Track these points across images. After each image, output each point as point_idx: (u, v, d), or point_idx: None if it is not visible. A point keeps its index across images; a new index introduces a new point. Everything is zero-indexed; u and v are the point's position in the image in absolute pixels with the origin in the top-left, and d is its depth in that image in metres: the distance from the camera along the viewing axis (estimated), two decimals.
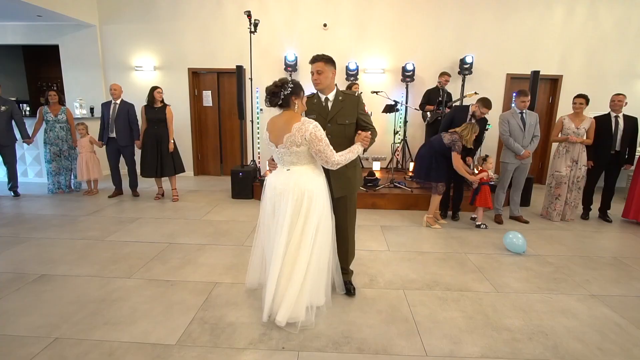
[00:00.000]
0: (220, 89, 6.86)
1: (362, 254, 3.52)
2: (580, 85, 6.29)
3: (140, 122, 5.13)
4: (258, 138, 5.92)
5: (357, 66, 6.41)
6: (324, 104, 2.52)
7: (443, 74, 5.53)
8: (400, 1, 6.35)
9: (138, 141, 5.17)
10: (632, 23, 6.31)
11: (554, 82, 6.48)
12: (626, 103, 4.54)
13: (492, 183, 4.38)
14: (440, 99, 5.31)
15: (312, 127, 2.15)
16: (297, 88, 2.25)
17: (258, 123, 5.92)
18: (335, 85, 2.56)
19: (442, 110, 5.44)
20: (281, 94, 2.20)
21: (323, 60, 2.44)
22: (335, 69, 2.51)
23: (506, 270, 3.28)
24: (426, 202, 4.66)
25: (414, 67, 6.34)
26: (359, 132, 2.44)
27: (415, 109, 6.07)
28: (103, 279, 2.93)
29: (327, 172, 2.44)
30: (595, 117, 4.60)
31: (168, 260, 3.29)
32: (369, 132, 2.45)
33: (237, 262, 3.27)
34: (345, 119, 2.49)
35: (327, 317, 2.44)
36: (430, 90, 5.63)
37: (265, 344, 2.16)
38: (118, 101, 5.15)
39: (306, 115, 2.41)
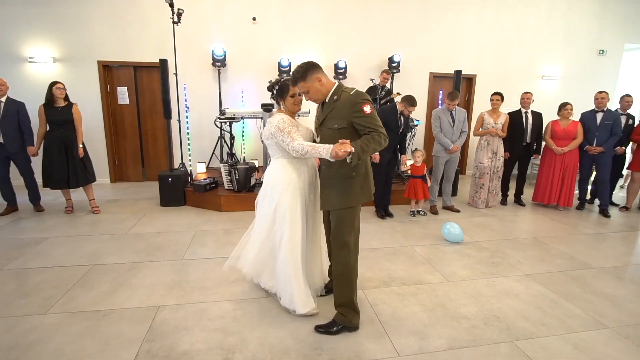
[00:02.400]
0: (139, 85, 6.16)
1: None
2: (492, 83, 6.98)
3: (38, 125, 4.32)
4: (188, 139, 5.43)
5: (290, 62, 6.26)
6: (321, 107, 2.27)
7: (383, 71, 5.66)
8: None
9: (32, 147, 4.37)
10: (530, 29, 7.17)
11: (470, 81, 7.10)
12: (533, 100, 5.12)
13: (420, 176, 4.58)
14: (377, 96, 5.42)
15: (277, 121, 2.26)
16: (280, 90, 2.36)
17: (187, 123, 5.44)
18: (337, 82, 2.20)
19: (376, 107, 5.56)
20: (271, 95, 2.43)
21: (301, 79, 2.10)
22: (318, 73, 2.11)
23: (450, 259, 3.46)
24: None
25: (346, 65, 6.40)
26: (340, 140, 1.94)
27: None
28: (10, 319, 2.37)
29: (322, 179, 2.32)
30: (509, 113, 5.11)
31: (94, 285, 2.81)
32: (347, 145, 1.90)
33: (180, 279, 2.92)
34: (334, 122, 2.11)
35: (294, 330, 2.29)
36: (370, 87, 5.73)
37: None
38: (3, 99, 4.26)
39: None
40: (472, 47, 7.01)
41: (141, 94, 6.20)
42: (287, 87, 2.31)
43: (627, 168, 5.23)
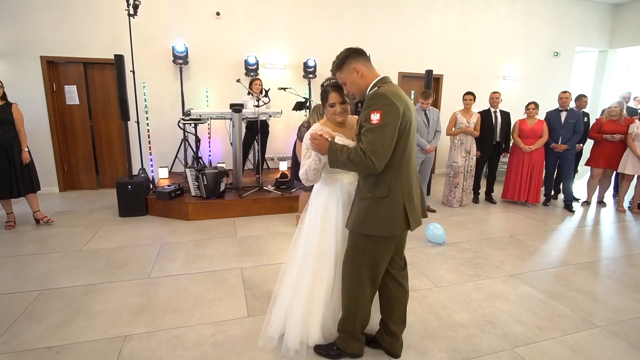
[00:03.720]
0: (90, 84, 5.60)
1: None
2: (458, 84, 7.10)
3: None
4: (149, 142, 4.98)
5: (257, 60, 5.98)
6: None
7: None
8: None
9: None
10: (491, 32, 7.38)
11: (437, 81, 7.17)
12: (501, 100, 5.22)
13: None
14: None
15: (308, 133, 1.91)
16: (322, 96, 1.98)
17: (148, 125, 4.99)
18: (378, 79, 1.74)
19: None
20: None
21: (337, 69, 1.80)
22: (357, 62, 1.75)
23: (435, 262, 3.38)
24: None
25: (316, 64, 6.22)
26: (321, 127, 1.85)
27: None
28: None
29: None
30: (479, 112, 5.17)
31: (44, 316, 2.41)
32: (328, 131, 1.81)
33: (149, 301, 2.60)
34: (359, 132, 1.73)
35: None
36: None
37: None
38: None
39: None
40: (439, 48, 7.08)
41: (93, 93, 5.64)
42: (325, 93, 1.92)
43: (586, 164, 5.48)
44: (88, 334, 2.22)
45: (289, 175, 5.17)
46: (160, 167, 5.54)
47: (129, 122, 4.57)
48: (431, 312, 2.55)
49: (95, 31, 5.32)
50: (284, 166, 6.22)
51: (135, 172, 4.94)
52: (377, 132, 1.60)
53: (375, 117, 1.60)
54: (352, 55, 1.76)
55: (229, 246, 3.63)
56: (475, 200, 5.46)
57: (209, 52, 5.88)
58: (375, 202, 1.72)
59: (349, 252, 1.87)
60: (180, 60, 5.57)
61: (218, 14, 5.79)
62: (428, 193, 5.71)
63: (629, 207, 5.25)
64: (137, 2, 4.40)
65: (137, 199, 4.51)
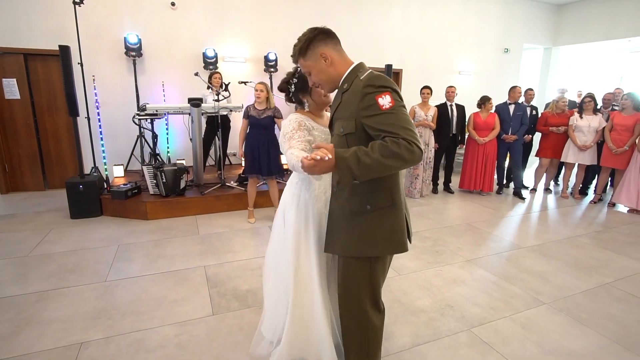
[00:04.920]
0: (32, 77, 5.18)
1: (260, 262, 3.18)
2: (417, 78, 7.30)
3: None
4: (102, 139, 4.70)
5: (216, 53, 5.82)
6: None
7: None
8: None
9: None
10: (448, 28, 7.64)
11: (397, 75, 7.34)
12: (457, 94, 5.45)
13: None
14: None
15: (286, 123, 1.76)
16: (302, 83, 1.79)
17: (100, 120, 4.71)
18: (354, 66, 1.44)
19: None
20: (290, 93, 1.85)
21: (300, 55, 1.51)
22: (325, 46, 1.44)
23: None
24: None
25: (277, 57, 6.15)
26: (319, 143, 1.30)
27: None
28: None
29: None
30: (436, 106, 5.37)
31: None
32: (324, 150, 1.23)
33: (106, 306, 2.48)
34: (340, 124, 1.43)
35: None
36: (306, 81, 5.57)
37: None
38: None
39: None
40: (398, 43, 7.25)
41: (36, 87, 5.23)
42: (307, 79, 1.68)
43: (536, 155, 5.86)
44: (40, 344, 2.08)
45: None
46: (115, 165, 5.26)
47: (78, 118, 4.30)
48: (394, 299, 2.63)
49: (36, 20, 4.93)
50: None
51: (87, 171, 4.66)
52: (399, 114, 1.27)
53: (386, 100, 1.27)
54: (318, 37, 1.44)
55: (191, 245, 3.54)
56: (435, 190, 5.68)
57: (165, 44, 5.64)
58: (379, 215, 1.42)
59: (343, 280, 1.55)
60: (134, 52, 5.29)
61: (173, 4, 5.56)
62: None
63: (571, 192, 5.69)
64: None
65: (90, 199, 4.27)
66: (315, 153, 1.22)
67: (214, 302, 2.54)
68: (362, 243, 1.44)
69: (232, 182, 4.88)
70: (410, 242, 1.51)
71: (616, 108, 5.36)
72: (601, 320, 2.43)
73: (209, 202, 4.47)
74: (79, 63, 4.32)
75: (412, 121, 1.32)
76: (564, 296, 2.74)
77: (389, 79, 1.33)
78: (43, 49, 4.99)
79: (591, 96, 5.19)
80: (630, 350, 2.15)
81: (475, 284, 2.89)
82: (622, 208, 5.02)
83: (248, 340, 2.13)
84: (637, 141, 4.74)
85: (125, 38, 5.21)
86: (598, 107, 5.25)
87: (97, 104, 4.88)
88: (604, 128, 5.04)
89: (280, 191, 4.25)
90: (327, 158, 1.20)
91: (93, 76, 4.88)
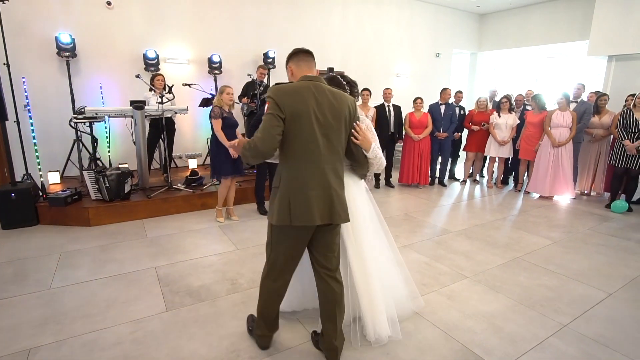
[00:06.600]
0: None
1: (212, 260, 3.29)
2: (359, 80, 7.65)
3: None
4: (35, 145, 4.43)
5: (157, 55, 5.72)
6: None
7: (259, 67, 5.65)
8: None
9: None
10: (384, 34, 8.17)
11: None
12: (393, 95, 5.89)
13: None
14: (255, 91, 5.41)
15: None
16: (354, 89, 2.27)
17: (31, 124, 4.44)
18: (301, 77, 1.89)
19: (256, 102, 5.56)
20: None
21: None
22: (291, 61, 1.97)
23: None
24: (252, 194, 4.78)
25: (221, 59, 6.19)
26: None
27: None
28: None
29: None
30: (375, 107, 5.77)
31: None
32: (235, 142, 1.98)
33: (53, 312, 2.45)
34: None
35: (206, 338, 2.19)
36: (248, 83, 5.67)
37: None
38: None
39: None
40: (339, 47, 7.61)
41: None
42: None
43: (463, 149, 6.51)
44: None
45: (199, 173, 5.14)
46: (50, 171, 4.99)
47: (7, 122, 4.05)
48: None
49: None
50: (193, 164, 6.12)
51: (18, 178, 4.40)
52: (264, 120, 1.73)
53: (268, 107, 1.75)
54: (289, 57, 1.97)
55: (139, 247, 3.53)
56: (377, 185, 6.10)
57: (102, 45, 5.45)
58: (275, 192, 1.85)
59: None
60: (67, 52, 5.06)
61: (109, 3, 5.39)
62: None
63: (494, 183, 6.41)
64: None
65: (24, 208, 4.05)
66: (233, 141, 1.98)
67: (167, 299, 2.62)
68: (270, 210, 1.89)
69: (179, 185, 4.87)
70: (291, 223, 1.76)
71: (528, 108, 6.15)
72: (511, 287, 2.89)
73: (156, 205, 4.44)
74: (4, 64, 4.07)
75: (272, 125, 1.71)
76: (483, 270, 3.19)
77: (278, 90, 1.74)
78: None
79: (507, 97, 5.90)
80: (531, 307, 2.60)
81: (409, 266, 3.20)
82: (535, 195, 5.78)
83: (203, 331, 2.26)
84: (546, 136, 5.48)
85: (57, 37, 4.96)
86: (512, 106, 5.98)
87: (28, 107, 4.61)
88: (518, 125, 5.77)
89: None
90: (235, 145, 1.95)
91: (23, 78, 4.60)
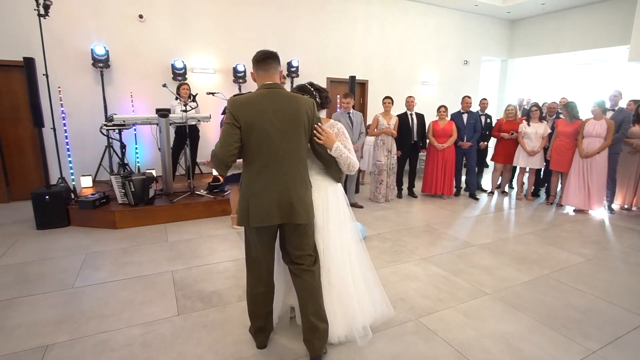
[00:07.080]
0: None
1: (227, 265, 3.32)
2: (381, 88, 7.65)
3: None
4: (68, 150, 4.69)
5: (185, 65, 5.93)
6: None
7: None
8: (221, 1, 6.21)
9: None
10: (409, 42, 8.08)
11: (363, 85, 7.68)
12: (416, 103, 5.79)
13: None
14: None
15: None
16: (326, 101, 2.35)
17: (66, 131, 4.72)
18: (260, 85, 1.97)
19: None
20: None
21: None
22: (254, 68, 1.99)
23: None
24: None
25: (245, 69, 6.33)
26: None
27: None
28: None
29: None
30: (398, 115, 5.68)
31: None
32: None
33: (72, 311, 2.55)
34: None
35: (213, 344, 2.19)
36: None
37: None
38: None
39: None
40: (363, 56, 7.60)
41: None
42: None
43: (491, 159, 6.27)
44: (4, 349, 2.14)
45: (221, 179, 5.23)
46: (83, 175, 5.26)
47: (43, 129, 4.31)
48: None
49: None
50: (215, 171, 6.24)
51: (53, 182, 4.65)
52: (223, 130, 1.85)
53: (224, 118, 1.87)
54: (253, 63, 1.99)
55: (159, 251, 3.62)
56: (399, 195, 5.97)
57: (133, 56, 5.71)
58: (240, 195, 1.97)
59: None
60: (101, 63, 5.34)
61: (141, 16, 5.66)
62: (357, 191, 6.11)
63: (524, 195, 6.11)
64: (47, 2, 4.18)
65: (57, 209, 4.27)
66: None
67: (180, 304, 2.66)
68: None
69: (201, 191, 4.98)
70: (250, 224, 1.89)
71: (561, 117, 5.84)
72: (535, 306, 2.72)
73: (178, 210, 4.55)
74: (44, 74, 4.35)
75: (229, 133, 1.82)
76: (505, 287, 3.02)
77: (234, 101, 1.84)
78: (6, 60, 4.97)
79: (537, 105, 5.65)
80: (555, 330, 2.43)
81: (427, 279, 3.13)
82: (569, 209, 5.45)
83: (211, 337, 2.27)
84: (580, 146, 5.18)
85: (92, 50, 5.25)
86: (543, 115, 5.71)
87: (63, 115, 4.88)
88: (550, 134, 5.49)
89: None
90: None
91: (59, 87, 4.89)
